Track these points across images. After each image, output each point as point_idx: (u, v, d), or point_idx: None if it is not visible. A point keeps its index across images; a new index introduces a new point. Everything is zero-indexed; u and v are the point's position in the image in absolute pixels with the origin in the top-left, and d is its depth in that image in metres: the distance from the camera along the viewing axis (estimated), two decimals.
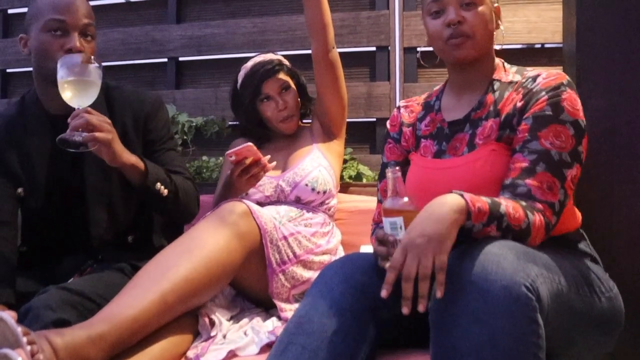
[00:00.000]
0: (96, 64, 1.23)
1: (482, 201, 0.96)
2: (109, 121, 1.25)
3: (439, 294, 0.87)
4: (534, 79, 1.13)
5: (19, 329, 0.94)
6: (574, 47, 1.58)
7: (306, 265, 1.45)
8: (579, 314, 1.00)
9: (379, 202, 1.34)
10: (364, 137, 2.16)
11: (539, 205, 1.02)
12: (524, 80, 1.15)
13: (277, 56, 1.82)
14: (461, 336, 0.84)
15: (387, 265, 0.94)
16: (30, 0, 1.42)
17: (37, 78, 1.42)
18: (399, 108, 1.37)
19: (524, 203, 1.02)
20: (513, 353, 0.82)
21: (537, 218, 1.00)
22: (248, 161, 1.46)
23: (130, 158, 1.30)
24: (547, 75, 1.12)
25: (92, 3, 2.48)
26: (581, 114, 1.08)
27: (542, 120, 1.06)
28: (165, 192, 1.36)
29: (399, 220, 1.00)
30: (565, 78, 1.10)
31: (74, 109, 1.29)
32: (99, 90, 1.25)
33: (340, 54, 2.29)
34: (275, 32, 2.28)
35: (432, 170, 1.19)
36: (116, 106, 1.45)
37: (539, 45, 2.11)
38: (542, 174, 1.03)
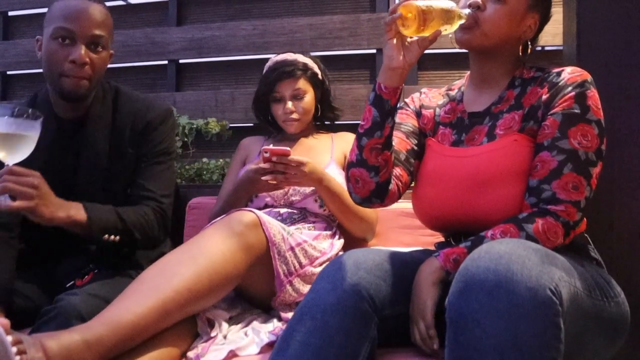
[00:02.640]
0: (33, 117, 1.14)
1: (459, 250, 1.06)
2: (35, 182, 1.18)
3: (435, 346, 1.02)
4: (559, 73, 1.14)
5: (9, 338, 0.91)
6: (575, 50, 1.58)
7: (305, 279, 1.43)
8: (591, 317, 1.00)
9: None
10: None
11: (559, 207, 1.04)
12: (546, 75, 1.16)
13: (305, 59, 1.78)
14: (482, 335, 0.83)
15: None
16: (47, 2, 1.42)
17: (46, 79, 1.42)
18: (420, 93, 1.39)
19: (522, 216, 1.05)
20: (535, 355, 0.81)
21: (538, 224, 1.03)
22: (281, 167, 1.49)
23: (68, 212, 1.25)
24: (572, 70, 1.13)
25: None
26: (602, 112, 1.10)
27: (570, 118, 1.08)
28: (117, 238, 1.33)
29: None
30: (589, 76, 1.12)
31: (81, 114, 1.29)
32: (35, 143, 1.15)
33: (341, 56, 2.31)
34: (275, 34, 2.29)
35: (451, 158, 1.20)
36: (121, 113, 1.45)
37: (539, 48, 2.11)
38: (568, 175, 1.05)
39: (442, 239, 1.29)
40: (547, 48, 2.09)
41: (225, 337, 1.28)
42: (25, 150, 1.14)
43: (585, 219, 1.20)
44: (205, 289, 1.21)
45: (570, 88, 1.10)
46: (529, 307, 0.82)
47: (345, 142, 1.80)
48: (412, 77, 2.15)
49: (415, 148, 1.30)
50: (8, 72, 2.61)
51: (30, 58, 2.52)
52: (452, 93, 1.33)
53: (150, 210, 1.41)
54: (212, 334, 1.28)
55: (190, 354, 1.22)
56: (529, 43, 1.21)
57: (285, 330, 1.01)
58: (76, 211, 1.27)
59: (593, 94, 1.10)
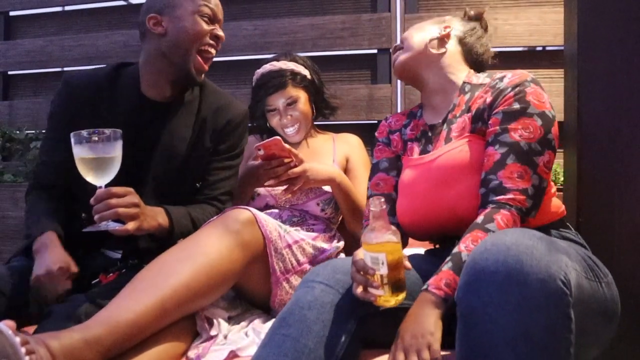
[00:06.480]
0: (114, 138, 1.17)
1: (444, 273, 1.02)
2: (135, 200, 1.22)
3: None
4: (501, 79, 1.23)
5: (18, 339, 0.92)
6: (575, 50, 1.59)
7: (302, 276, 1.42)
8: (588, 300, 1.01)
9: (369, 198, 1.37)
10: (365, 139, 2.16)
11: (508, 196, 1.09)
12: (492, 82, 1.25)
13: (290, 66, 1.74)
14: (494, 329, 0.83)
15: (360, 292, 1.00)
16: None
17: (155, 59, 1.42)
18: (387, 119, 1.49)
19: (481, 220, 1.07)
20: (547, 347, 0.81)
21: (498, 219, 1.06)
22: (286, 160, 1.48)
23: (158, 220, 1.31)
24: (513, 74, 1.22)
25: (94, 5, 2.51)
26: (547, 105, 1.16)
27: (511, 115, 1.16)
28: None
29: (381, 256, 0.98)
30: (529, 76, 1.20)
31: (170, 98, 1.31)
32: (119, 163, 1.18)
33: (342, 56, 2.32)
34: (276, 34, 2.29)
35: (416, 167, 1.29)
36: (205, 104, 1.50)
37: (540, 48, 2.11)
38: (512, 165, 1.11)
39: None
40: (548, 48, 2.10)
41: (225, 337, 1.28)
42: (112, 172, 1.18)
43: (563, 206, 1.24)
44: (203, 287, 1.22)
45: (509, 89, 1.18)
46: (541, 299, 0.82)
47: (346, 144, 1.80)
48: None
49: (397, 179, 1.37)
50: (9, 72, 2.61)
51: (31, 58, 2.53)
52: (414, 112, 1.44)
53: (214, 213, 1.47)
54: (212, 333, 1.28)
55: (191, 354, 1.23)
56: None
57: (269, 329, 1.06)
58: (162, 219, 1.34)
59: (533, 90, 1.17)
